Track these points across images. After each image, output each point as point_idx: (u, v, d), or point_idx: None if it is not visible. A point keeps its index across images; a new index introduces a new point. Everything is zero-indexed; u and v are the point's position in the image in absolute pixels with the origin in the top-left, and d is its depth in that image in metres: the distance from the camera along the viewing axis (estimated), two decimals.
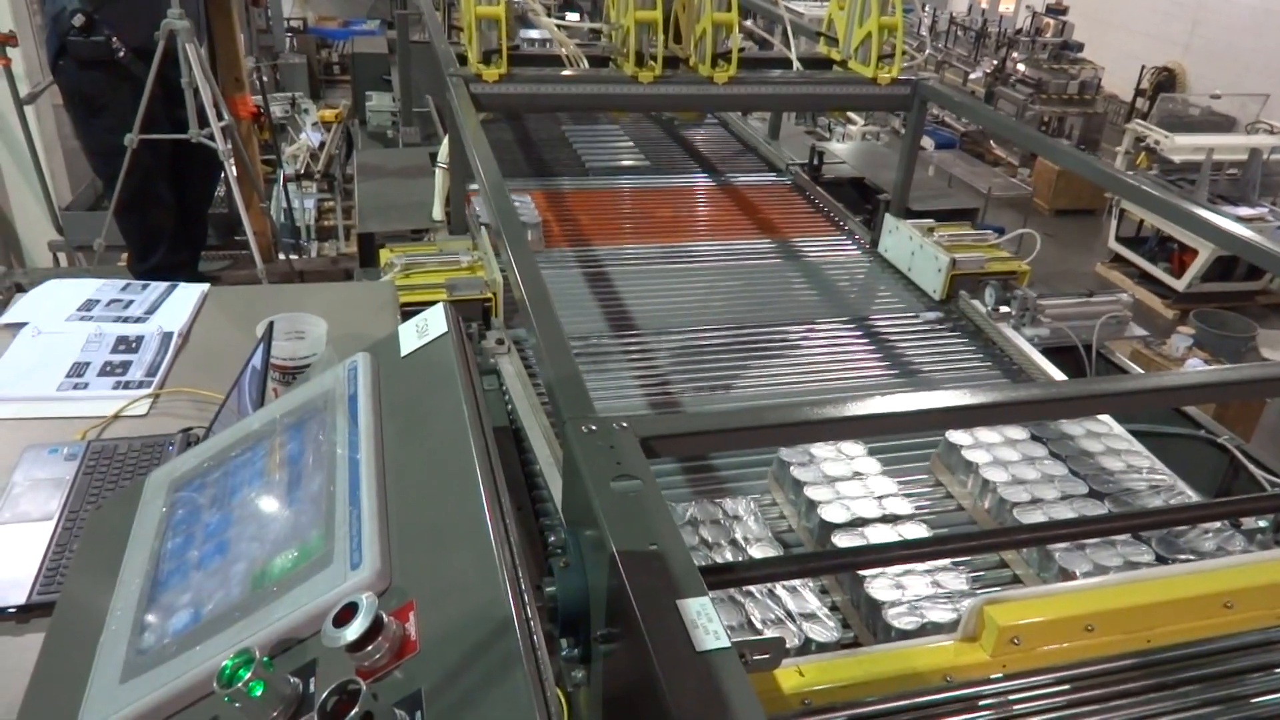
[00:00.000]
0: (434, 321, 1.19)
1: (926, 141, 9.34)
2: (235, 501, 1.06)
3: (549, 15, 3.54)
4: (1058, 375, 2.42)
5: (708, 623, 0.86)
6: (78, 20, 3.40)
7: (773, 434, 1.42)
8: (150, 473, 1.23)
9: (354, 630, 0.81)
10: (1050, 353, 2.55)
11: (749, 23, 4.54)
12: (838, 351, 2.58)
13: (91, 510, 1.46)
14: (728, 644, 0.84)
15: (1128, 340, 2.96)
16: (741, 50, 3.13)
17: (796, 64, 3.31)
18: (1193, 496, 1.94)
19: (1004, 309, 2.68)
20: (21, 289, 2.26)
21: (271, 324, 1.67)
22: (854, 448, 1.97)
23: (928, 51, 10.29)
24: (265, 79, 6.75)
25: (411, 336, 1.20)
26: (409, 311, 2.29)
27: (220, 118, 3.68)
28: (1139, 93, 10.29)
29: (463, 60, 2.97)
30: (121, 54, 3.48)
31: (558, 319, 1.45)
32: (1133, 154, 7.85)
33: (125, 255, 4.16)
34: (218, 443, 1.20)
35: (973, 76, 10.82)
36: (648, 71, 2.98)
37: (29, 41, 4.63)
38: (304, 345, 1.79)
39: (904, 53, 3.16)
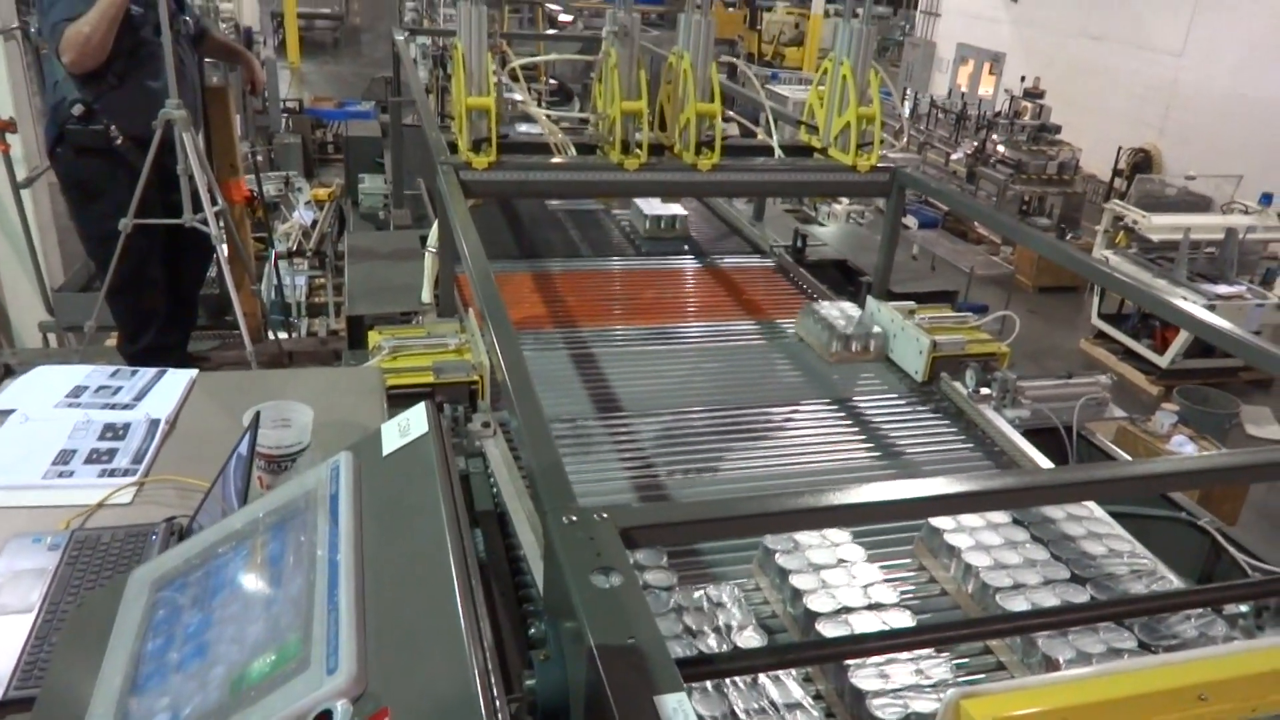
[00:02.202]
0: (415, 421, 1.22)
1: (910, 220, 9.52)
2: (216, 602, 1.06)
3: (539, 105, 3.63)
4: (1039, 457, 2.44)
5: (684, 719, 0.86)
6: (77, 110, 3.46)
7: (753, 524, 1.44)
8: (133, 569, 1.23)
9: None
10: (1031, 434, 2.58)
11: (732, 111, 4.67)
12: (822, 433, 2.61)
13: (72, 606, 1.46)
14: None
15: (1111, 420, 2.99)
16: (725, 137, 3.22)
17: (779, 151, 3.41)
18: (1174, 581, 1.95)
19: (985, 390, 2.72)
20: (11, 370, 2.27)
21: (258, 413, 1.69)
22: (838, 533, 1.98)
23: (905, 139, 10.52)
24: (260, 159, 6.87)
25: (394, 436, 1.22)
26: (395, 395, 2.31)
27: (214, 203, 3.73)
28: (1117, 173, 10.51)
29: (453, 148, 3.04)
30: (119, 142, 3.54)
31: (540, 405, 1.46)
32: (1112, 233, 7.99)
33: (115, 335, 4.18)
34: (200, 541, 1.21)
35: (954, 157, 11.06)
36: (633, 159, 3.06)
37: (27, 124, 4.70)
38: (290, 434, 1.80)
39: (882, 140, 3.26)
